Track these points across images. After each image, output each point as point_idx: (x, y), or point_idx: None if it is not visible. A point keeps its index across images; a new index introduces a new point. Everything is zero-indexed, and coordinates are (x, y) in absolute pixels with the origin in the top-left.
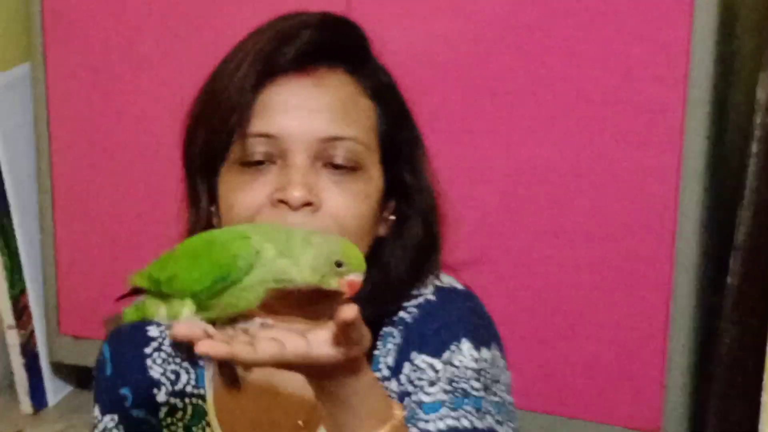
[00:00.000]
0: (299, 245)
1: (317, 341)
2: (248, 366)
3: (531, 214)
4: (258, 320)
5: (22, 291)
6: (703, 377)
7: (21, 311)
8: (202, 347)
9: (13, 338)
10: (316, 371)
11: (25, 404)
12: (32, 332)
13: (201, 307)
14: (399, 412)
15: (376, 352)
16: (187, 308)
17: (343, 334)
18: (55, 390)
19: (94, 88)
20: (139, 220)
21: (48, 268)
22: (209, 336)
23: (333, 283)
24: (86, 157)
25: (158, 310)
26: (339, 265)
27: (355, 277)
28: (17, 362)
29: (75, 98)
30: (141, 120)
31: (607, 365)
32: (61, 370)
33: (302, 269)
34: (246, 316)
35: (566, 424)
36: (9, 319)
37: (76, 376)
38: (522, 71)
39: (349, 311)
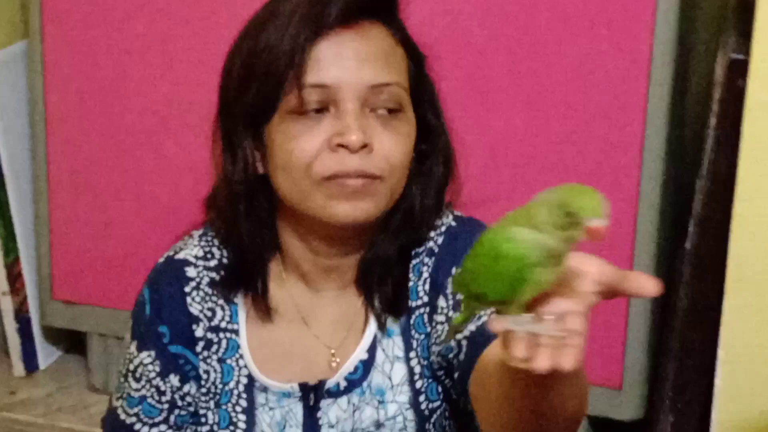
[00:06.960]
0: (535, 210)
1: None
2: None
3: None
4: (527, 316)
5: (16, 258)
6: (662, 338)
7: (15, 278)
8: (567, 362)
9: (7, 304)
10: None
11: (18, 367)
12: (25, 298)
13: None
14: None
15: (410, 284)
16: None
17: None
18: (46, 354)
19: (90, 65)
20: (132, 189)
21: (41, 236)
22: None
23: (577, 236)
24: (81, 131)
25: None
26: (571, 215)
27: (595, 222)
28: (11, 327)
29: (71, 75)
30: (137, 96)
31: None
32: (52, 334)
33: (550, 232)
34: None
35: None
36: (3, 285)
37: (67, 340)
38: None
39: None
